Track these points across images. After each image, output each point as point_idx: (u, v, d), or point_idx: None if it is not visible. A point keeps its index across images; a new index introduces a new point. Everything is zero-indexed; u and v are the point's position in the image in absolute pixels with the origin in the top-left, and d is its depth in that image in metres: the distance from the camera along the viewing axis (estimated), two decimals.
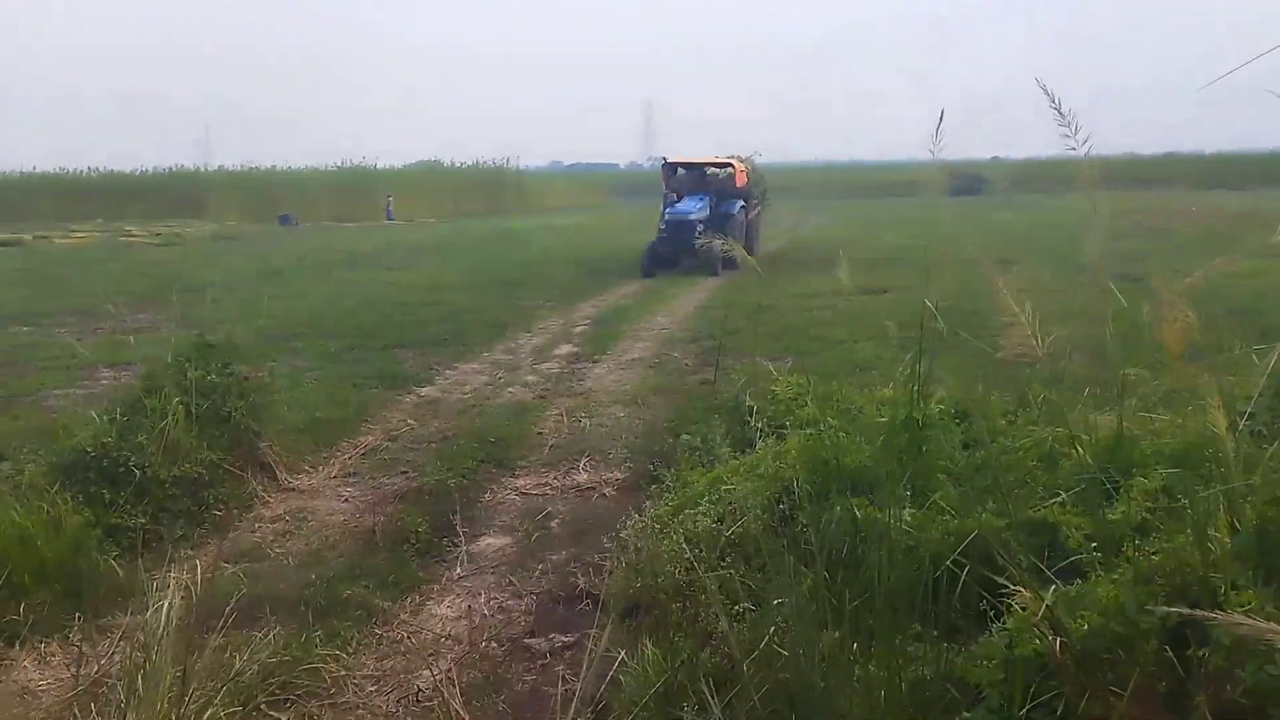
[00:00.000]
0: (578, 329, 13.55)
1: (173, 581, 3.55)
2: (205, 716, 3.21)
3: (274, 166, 43.26)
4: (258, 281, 18.66)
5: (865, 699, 2.37)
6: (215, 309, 13.54)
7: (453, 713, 3.59)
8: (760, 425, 6.21)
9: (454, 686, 3.86)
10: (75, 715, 3.54)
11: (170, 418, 5.64)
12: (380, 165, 45.42)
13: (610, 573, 4.91)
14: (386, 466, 7.00)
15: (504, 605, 4.82)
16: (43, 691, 3.89)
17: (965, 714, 2.33)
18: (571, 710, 3.16)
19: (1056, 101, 2.72)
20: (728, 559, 3.95)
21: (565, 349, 12.03)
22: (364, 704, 3.87)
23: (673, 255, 20.30)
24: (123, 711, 3.06)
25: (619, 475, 6.78)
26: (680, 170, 23.13)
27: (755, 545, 3.76)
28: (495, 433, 7.78)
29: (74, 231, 29.60)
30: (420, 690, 3.93)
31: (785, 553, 3.20)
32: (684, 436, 6.89)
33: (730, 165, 22.51)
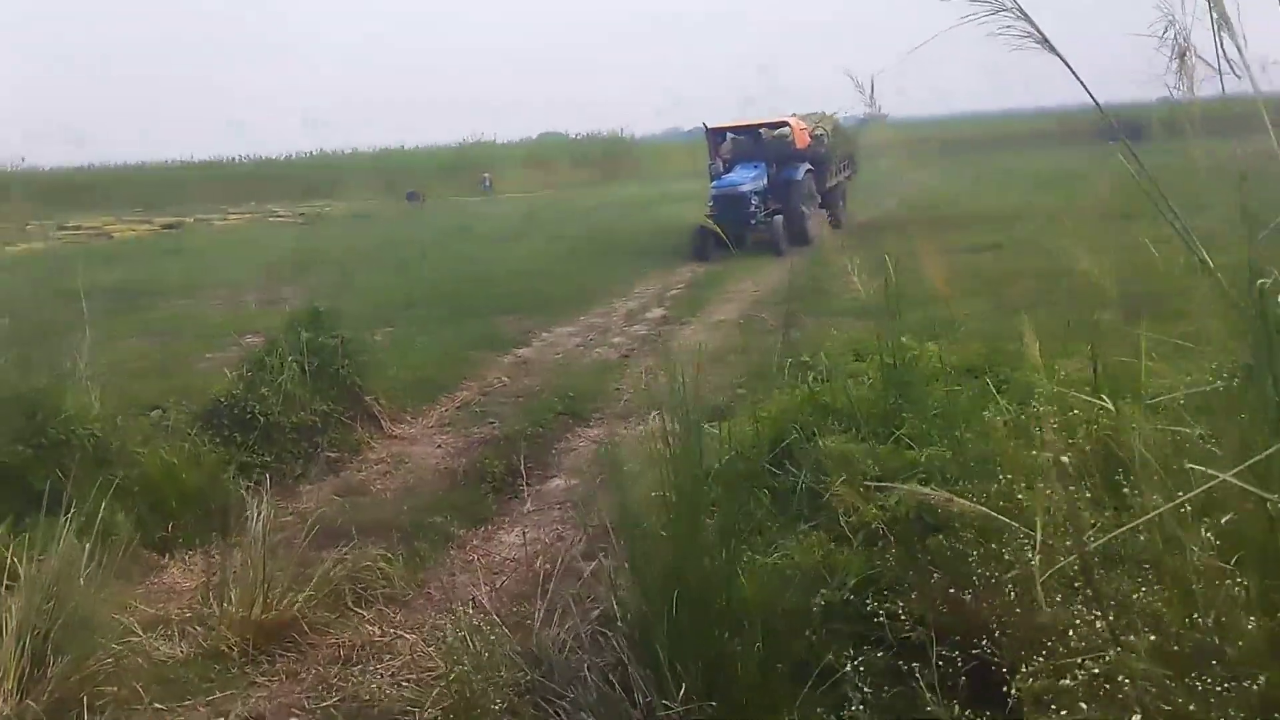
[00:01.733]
0: (672, 293, 14.02)
1: (256, 504, 4.27)
2: (289, 604, 3.91)
3: (402, 147, 44.77)
4: (382, 254, 19.61)
5: None
6: (344, 280, 14.51)
7: (494, 617, 4.19)
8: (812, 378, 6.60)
9: (504, 597, 4.47)
10: (201, 602, 4.29)
11: (286, 374, 6.41)
12: (500, 140, 46.49)
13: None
14: (477, 418, 7.70)
15: (562, 535, 5.40)
16: (184, 589, 4.68)
17: None
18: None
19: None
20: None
21: (656, 312, 12.55)
22: (431, 607, 4.52)
23: (727, 233, 16.24)
24: (231, 600, 3.79)
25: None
26: (728, 136, 19.94)
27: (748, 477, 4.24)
28: (577, 388, 8.38)
29: (229, 214, 31.32)
30: (476, 599, 4.57)
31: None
32: (740, 390, 7.35)
33: (786, 125, 19.15)
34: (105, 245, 23.45)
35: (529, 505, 5.86)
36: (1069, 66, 2.30)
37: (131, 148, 52.16)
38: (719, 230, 15.00)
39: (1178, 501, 2.11)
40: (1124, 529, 2.24)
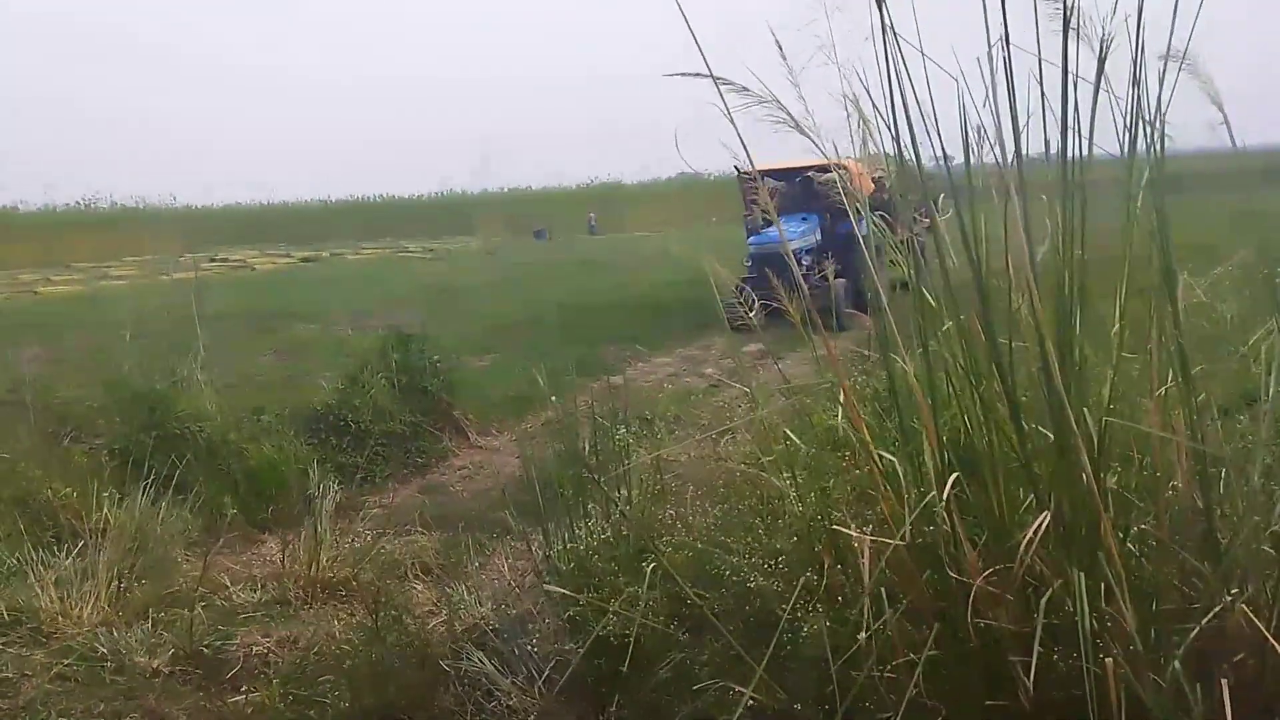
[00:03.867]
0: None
1: (326, 495, 5.06)
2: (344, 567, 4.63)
3: (529, 188, 46.35)
4: (504, 286, 20.57)
5: None
6: (461, 308, 15.45)
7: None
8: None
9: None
10: (289, 569, 5.02)
11: (375, 389, 7.19)
12: (627, 181, 47.57)
13: None
14: (557, 434, 8.29)
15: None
16: (275, 558, 5.43)
17: None
18: None
19: None
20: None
21: (754, 346, 13.00)
22: (484, 586, 5.09)
23: (767, 299, 16.21)
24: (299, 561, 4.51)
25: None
26: (768, 181, 18.57)
27: None
28: (659, 411, 8.89)
29: (363, 249, 33.11)
30: (524, 582, 5.13)
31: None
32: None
33: (844, 169, 17.79)
34: (249, 276, 25.23)
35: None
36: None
37: (281, 188, 55.48)
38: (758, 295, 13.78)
39: None
40: None
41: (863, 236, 13.26)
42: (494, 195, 45.09)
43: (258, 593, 4.74)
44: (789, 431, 3.50)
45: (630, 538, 3.69)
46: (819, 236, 15.28)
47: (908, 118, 2.75)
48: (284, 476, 6.21)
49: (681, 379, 10.80)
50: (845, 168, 15.10)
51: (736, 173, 15.15)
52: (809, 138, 2.90)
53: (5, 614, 4.31)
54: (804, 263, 13.67)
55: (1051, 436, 2.49)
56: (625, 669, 3.02)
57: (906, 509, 2.57)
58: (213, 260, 28.17)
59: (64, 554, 4.71)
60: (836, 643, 2.45)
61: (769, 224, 14.52)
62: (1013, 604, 2.43)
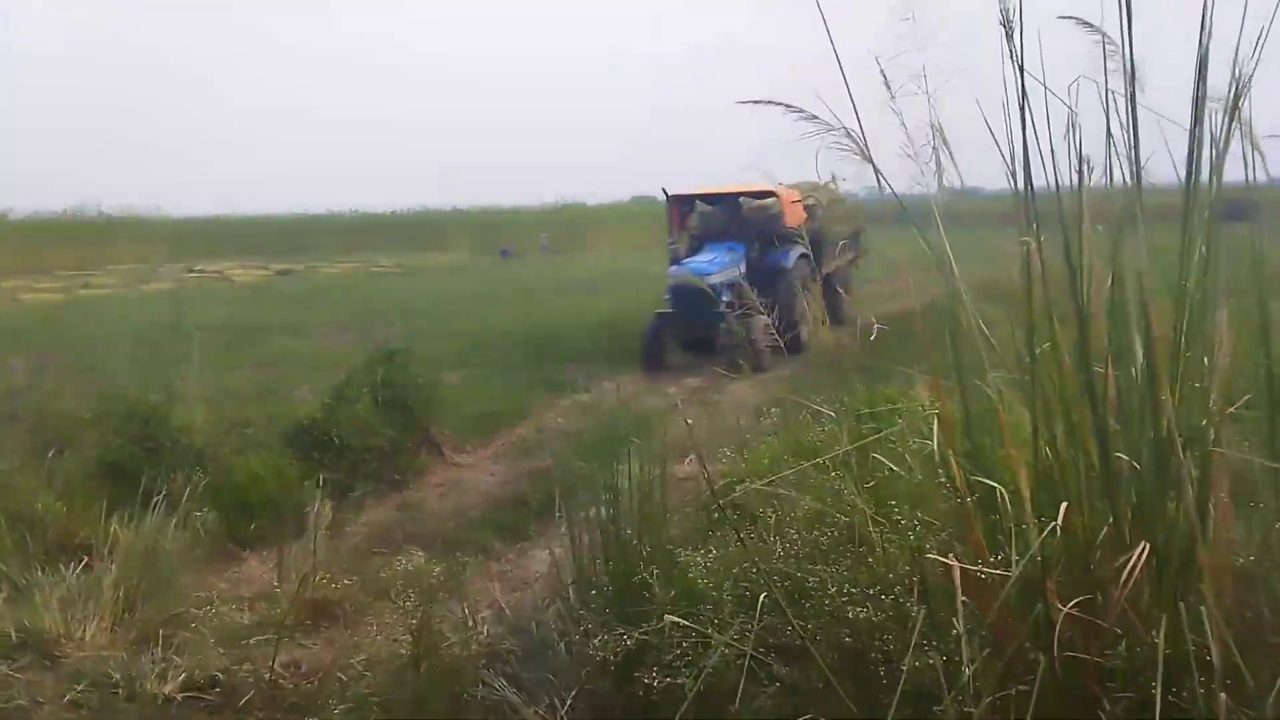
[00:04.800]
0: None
1: (315, 512, 4.98)
2: (337, 589, 4.59)
3: (498, 207, 46.31)
4: (471, 303, 20.47)
5: None
6: (431, 325, 15.38)
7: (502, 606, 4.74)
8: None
9: (519, 593, 5.03)
10: (272, 584, 4.97)
11: (360, 404, 7.12)
12: (592, 202, 47.51)
13: None
14: (529, 452, 8.30)
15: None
16: (257, 577, 5.36)
17: None
18: None
19: None
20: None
21: (717, 367, 13.03)
22: (464, 608, 5.06)
23: (687, 335, 12.74)
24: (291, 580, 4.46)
25: (715, 468, 7.80)
26: (695, 206, 15.04)
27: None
28: (624, 430, 8.91)
29: (337, 262, 32.88)
30: (504, 603, 5.12)
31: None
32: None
33: (773, 195, 14.27)
34: (225, 287, 24.95)
35: (562, 528, 6.41)
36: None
37: (256, 200, 54.89)
38: (676, 330, 12.64)
39: None
40: None
41: (785, 269, 13.26)
42: (464, 213, 45.00)
43: (249, 613, 4.63)
44: (879, 456, 3.38)
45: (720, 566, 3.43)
46: (743, 268, 13.35)
47: (1024, 146, 2.62)
48: (268, 491, 6.12)
49: (645, 399, 10.80)
50: (775, 195, 14.77)
51: (664, 196, 14.94)
52: (873, 166, 2.79)
53: (13, 635, 4.18)
54: (724, 297, 11.97)
55: (1138, 466, 2.45)
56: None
57: (1012, 539, 2.50)
58: (191, 271, 27.89)
59: (64, 572, 4.55)
60: (930, 674, 2.39)
61: (694, 251, 14.22)
62: (1104, 636, 2.35)
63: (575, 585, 3.95)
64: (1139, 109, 2.55)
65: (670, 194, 14.90)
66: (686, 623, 3.02)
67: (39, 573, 4.53)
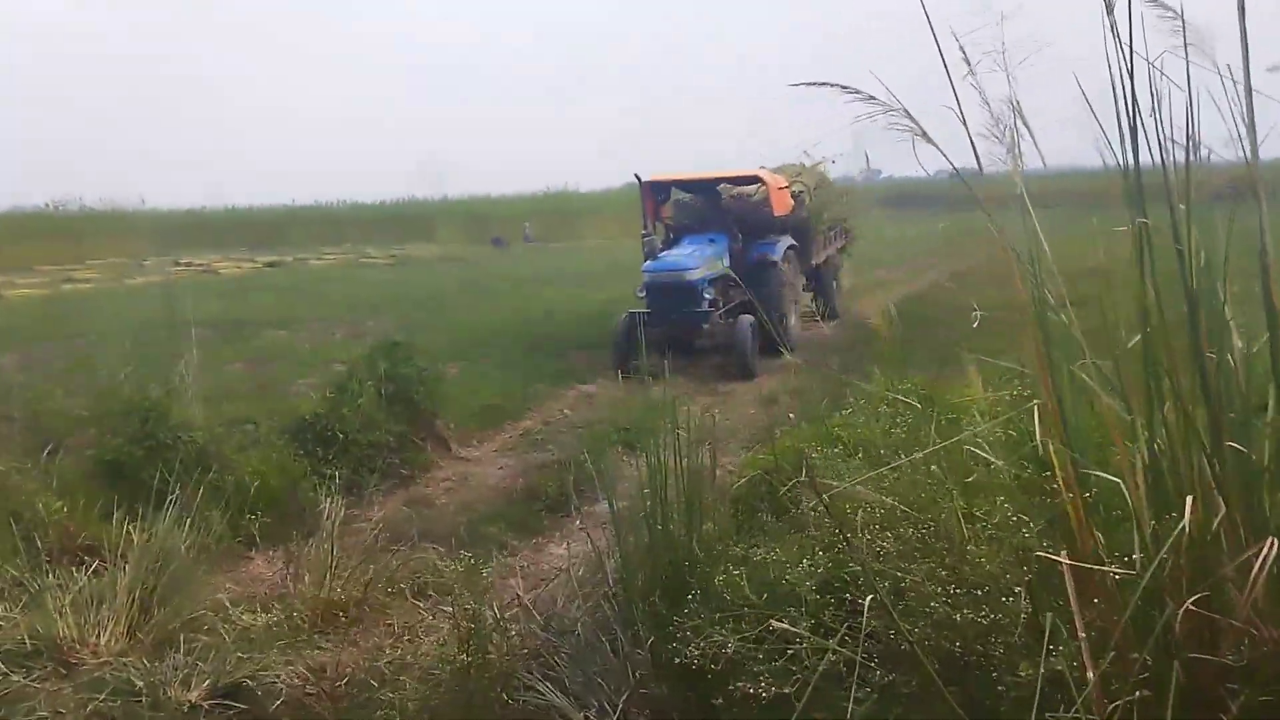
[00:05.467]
0: None
1: (330, 506, 4.91)
2: (354, 588, 4.46)
3: (488, 195, 46.08)
4: (464, 294, 20.32)
5: None
6: (426, 317, 15.25)
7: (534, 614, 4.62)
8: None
9: (540, 591, 4.91)
10: (280, 585, 4.85)
11: (364, 397, 7.00)
12: (584, 189, 47.28)
13: None
14: (538, 444, 8.19)
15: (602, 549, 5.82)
16: (265, 577, 5.24)
17: None
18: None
19: None
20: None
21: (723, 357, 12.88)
22: (481, 604, 4.96)
23: (664, 335, 10.63)
24: (305, 581, 4.35)
25: (727, 460, 7.69)
26: (672, 194, 13.85)
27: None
28: (632, 422, 8.80)
29: (325, 254, 32.69)
30: (519, 598, 5.01)
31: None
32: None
33: (758, 180, 12.95)
34: (213, 280, 24.71)
35: (577, 523, 6.30)
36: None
37: (241, 192, 54.61)
38: (652, 330, 10.22)
39: None
40: None
41: (773, 262, 12.07)
42: (454, 203, 44.78)
43: (262, 615, 4.50)
44: (979, 450, 3.19)
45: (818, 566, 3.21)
46: (726, 262, 12.07)
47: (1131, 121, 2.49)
48: (272, 489, 6.01)
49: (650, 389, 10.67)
50: (761, 180, 13.27)
51: (637, 181, 13.10)
52: (936, 148, 2.65)
53: (27, 643, 4.04)
54: (707, 296, 11.42)
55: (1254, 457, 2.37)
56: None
57: (1135, 536, 2.41)
58: (176, 264, 27.65)
59: (72, 576, 4.45)
60: (1044, 680, 2.28)
61: (671, 244, 12.84)
62: (1226, 635, 2.28)
63: (621, 582, 3.79)
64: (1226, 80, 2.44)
65: (643, 180, 13.17)
66: (790, 628, 2.84)
67: (48, 576, 4.42)
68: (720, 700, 2.88)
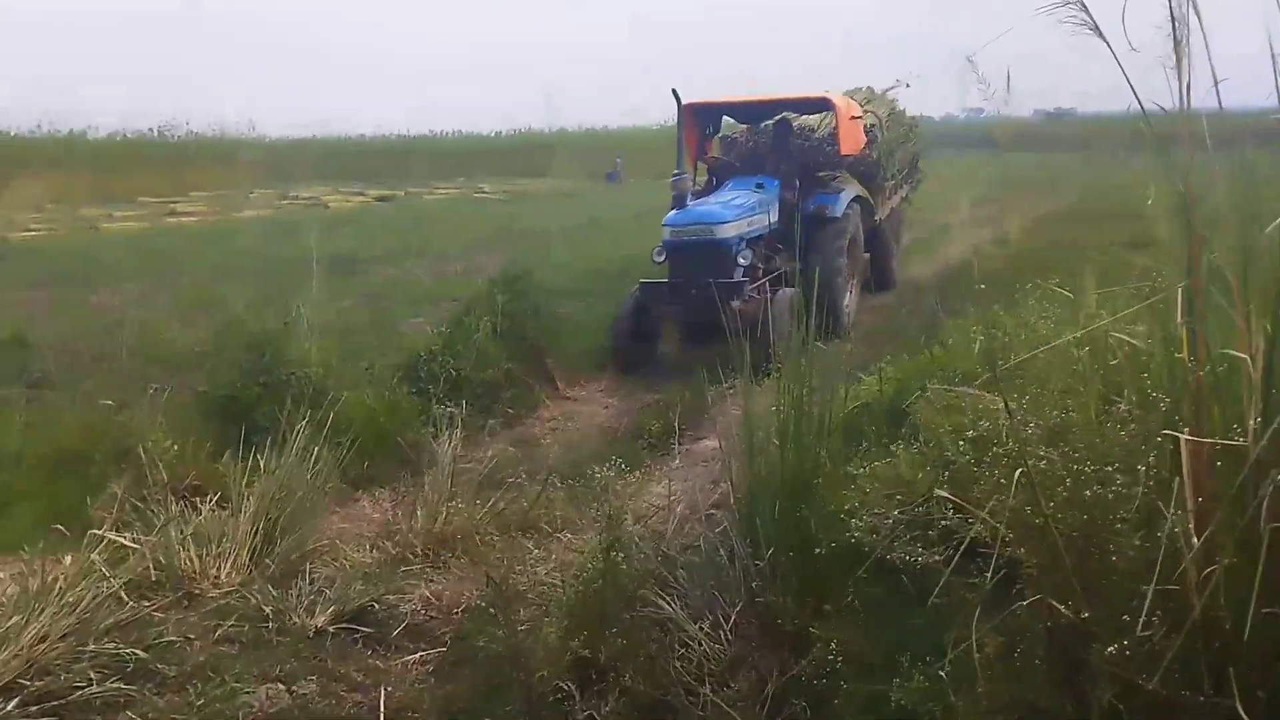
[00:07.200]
0: None
1: (447, 440, 5.40)
2: (465, 522, 4.79)
3: (606, 128, 46.03)
4: (579, 231, 20.51)
5: None
6: (539, 253, 15.50)
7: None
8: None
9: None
10: (390, 522, 5.16)
11: (480, 333, 7.27)
12: None
13: None
14: (644, 384, 8.35)
15: (703, 488, 5.94)
16: (372, 517, 5.59)
17: None
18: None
19: None
20: None
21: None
22: (583, 538, 5.15)
23: (685, 312, 9.03)
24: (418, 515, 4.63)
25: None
26: (718, 123, 11.68)
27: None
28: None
29: (437, 189, 33.23)
30: (620, 538, 5.19)
31: None
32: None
33: (827, 104, 10.83)
34: (323, 214, 25.40)
35: (677, 461, 6.44)
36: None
37: (347, 120, 55.70)
38: (668, 304, 9.04)
39: None
40: None
41: (836, 216, 9.91)
42: (569, 134, 44.94)
43: (369, 552, 4.90)
44: (1125, 337, 3.31)
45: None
46: (773, 217, 9.90)
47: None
48: (382, 428, 6.32)
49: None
50: (832, 103, 10.90)
51: (675, 101, 10.15)
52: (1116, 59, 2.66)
53: (151, 573, 4.43)
54: (742, 261, 9.24)
55: None
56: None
57: (1251, 411, 2.52)
58: (284, 199, 28.41)
59: (191, 511, 4.88)
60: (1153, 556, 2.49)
61: (712, 188, 10.67)
62: None
63: (749, 497, 4.01)
64: None
65: (685, 103, 10.48)
66: (955, 498, 3.17)
67: (167, 510, 4.80)
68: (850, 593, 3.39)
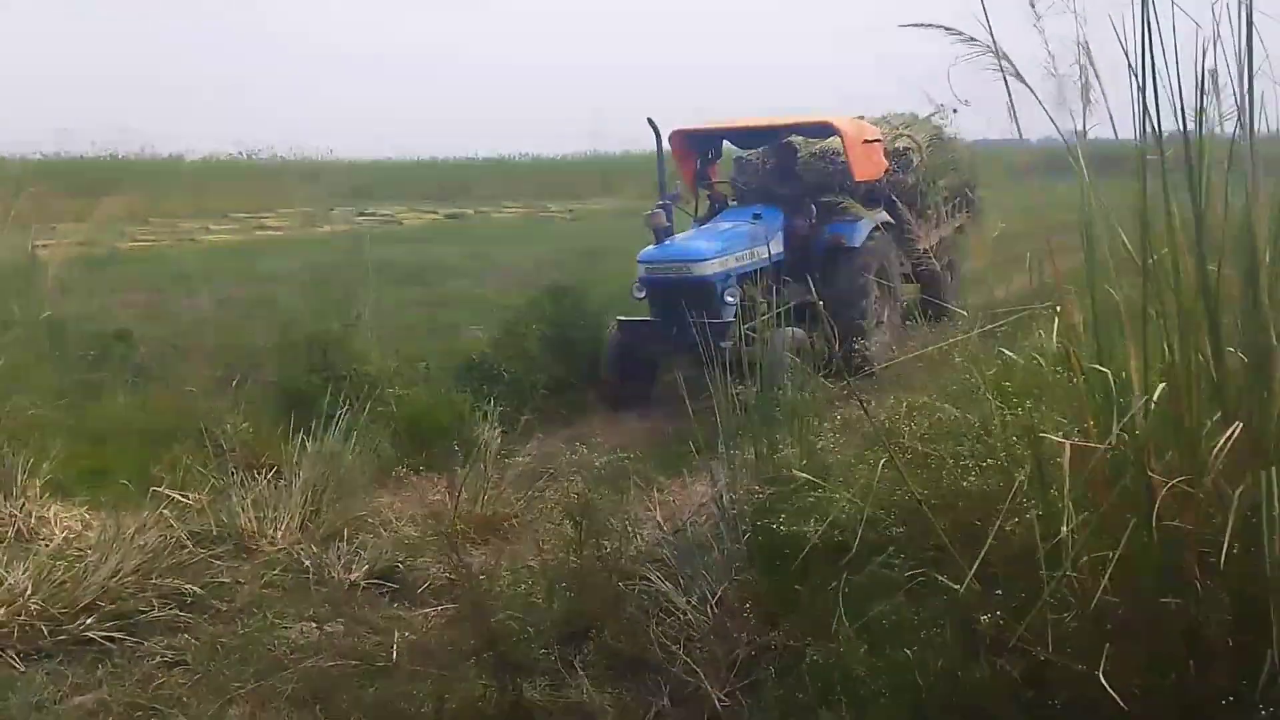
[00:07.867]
0: None
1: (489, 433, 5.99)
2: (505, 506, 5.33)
3: (670, 151, 46.49)
4: (640, 248, 20.81)
5: None
6: (600, 269, 15.88)
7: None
8: None
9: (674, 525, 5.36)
10: (440, 502, 5.56)
11: (528, 341, 7.66)
12: None
13: None
14: (698, 390, 8.59)
15: (749, 488, 6.21)
16: (423, 499, 5.99)
17: None
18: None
19: None
20: None
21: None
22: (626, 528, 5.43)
23: (669, 352, 8.44)
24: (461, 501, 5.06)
25: None
26: (709, 150, 10.62)
27: None
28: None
29: (505, 207, 33.97)
30: (660, 524, 5.45)
31: None
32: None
33: (830, 128, 9.76)
34: (397, 230, 26.23)
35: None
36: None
37: (423, 144, 57.25)
38: (652, 347, 8.57)
39: None
40: None
41: (853, 249, 9.09)
42: (635, 157, 45.46)
43: (422, 528, 5.38)
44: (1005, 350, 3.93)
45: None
46: (773, 249, 8.64)
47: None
48: (440, 421, 6.72)
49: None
50: (836, 130, 9.84)
51: (653, 132, 9.59)
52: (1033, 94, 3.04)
53: (214, 529, 5.16)
54: (729, 299, 8.39)
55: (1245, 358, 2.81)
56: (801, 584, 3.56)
57: (1116, 417, 2.81)
58: (361, 214, 29.34)
59: (253, 480, 5.48)
60: (1034, 542, 2.77)
61: (711, 216, 9.88)
62: (1199, 505, 2.73)
63: (729, 489, 4.61)
64: None
65: (675, 131, 10.09)
66: (810, 476, 3.83)
67: (234, 480, 5.51)
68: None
